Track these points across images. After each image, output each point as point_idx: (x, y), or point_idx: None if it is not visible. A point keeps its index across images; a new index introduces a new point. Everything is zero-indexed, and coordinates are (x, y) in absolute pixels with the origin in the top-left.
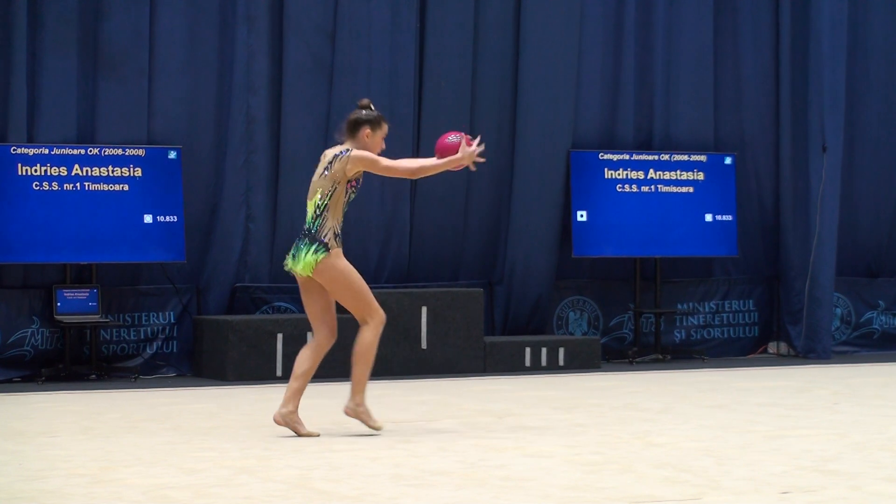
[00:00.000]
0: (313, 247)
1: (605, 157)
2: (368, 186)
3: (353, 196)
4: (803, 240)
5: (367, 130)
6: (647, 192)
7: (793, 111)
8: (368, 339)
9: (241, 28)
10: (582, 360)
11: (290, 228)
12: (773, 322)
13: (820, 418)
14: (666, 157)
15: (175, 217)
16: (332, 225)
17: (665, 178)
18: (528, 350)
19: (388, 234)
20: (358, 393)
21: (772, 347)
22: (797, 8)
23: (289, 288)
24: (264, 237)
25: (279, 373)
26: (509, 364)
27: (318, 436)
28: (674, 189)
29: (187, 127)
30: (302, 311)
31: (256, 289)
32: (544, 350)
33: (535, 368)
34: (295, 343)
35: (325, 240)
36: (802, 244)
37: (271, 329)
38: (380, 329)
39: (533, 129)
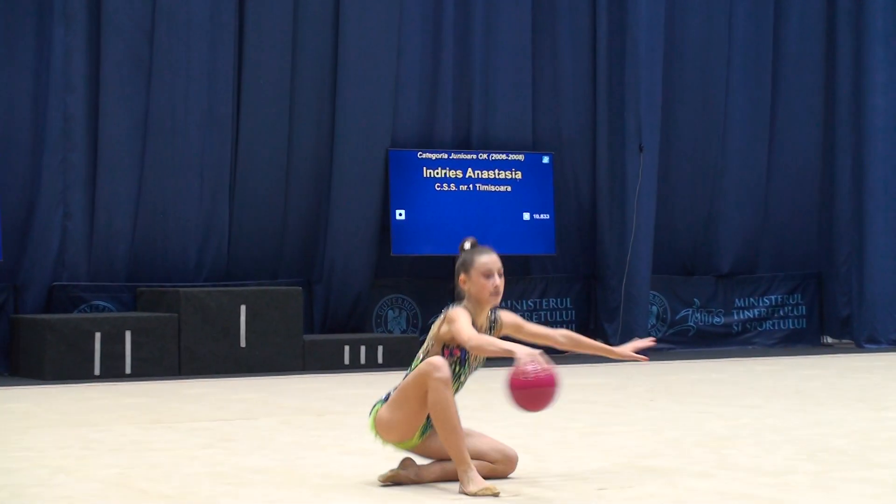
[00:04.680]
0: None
1: (424, 156)
2: (187, 184)
3: (459, 370)
4: (620, 238)
5: (461, 277)
6: (465, 191)
7: (610, 111)
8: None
9: (58, 26)
10: (401, 358)
11: (107, 227)
12: (591, 320)
13: (636, 415)
14: (484, 156)
15: None
16: None
17: (483, 177)
18: (347, 348)
19: (207, 232)
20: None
21: None
22: (614, 9)
23: (107, 287)
24: (82, 236)
25: (97, 371)
26: (328, 362)
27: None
28: (492, 188)
29: (3, 125)
30: (121, 309)
31: (74, 287)
32: (363, 348)
33: (355, 366)
34: (113, 342)
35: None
36: (619, 243)
37: (89, 328)
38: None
39: (352, 127)
